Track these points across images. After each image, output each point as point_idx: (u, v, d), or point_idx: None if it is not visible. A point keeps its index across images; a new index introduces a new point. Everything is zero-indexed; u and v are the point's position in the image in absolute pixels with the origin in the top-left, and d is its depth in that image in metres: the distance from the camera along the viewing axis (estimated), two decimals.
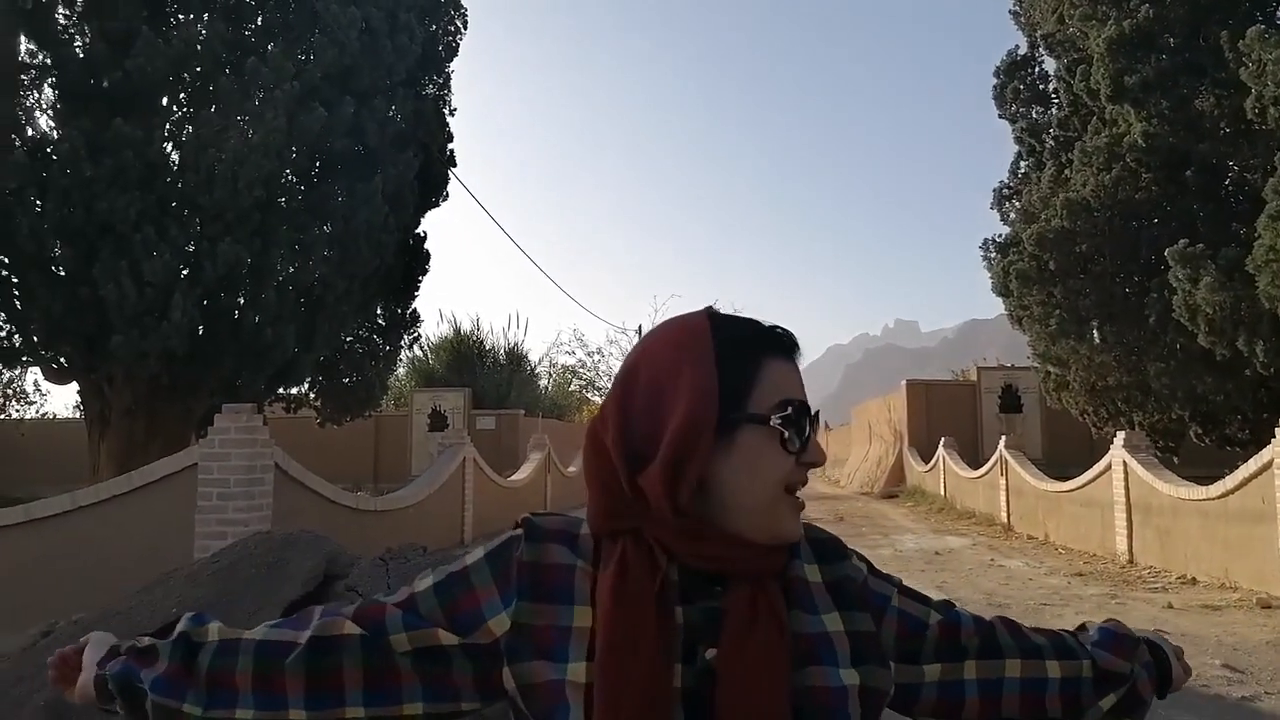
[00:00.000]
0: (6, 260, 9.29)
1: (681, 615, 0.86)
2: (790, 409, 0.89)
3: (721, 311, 0.96)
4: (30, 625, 4.35)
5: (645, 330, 1.05)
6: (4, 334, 10.20)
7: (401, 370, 23.79)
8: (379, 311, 13.79)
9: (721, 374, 0.88)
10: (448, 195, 14.46)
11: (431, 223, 20.01)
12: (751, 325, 0.94)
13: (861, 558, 1.01)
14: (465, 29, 14.29)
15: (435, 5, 13.36)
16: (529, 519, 0.94)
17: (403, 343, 14.62)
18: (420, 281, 14.15)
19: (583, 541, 0.92)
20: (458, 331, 26.02)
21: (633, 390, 0.90)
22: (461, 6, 14.17)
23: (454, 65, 14.26)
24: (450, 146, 14.46)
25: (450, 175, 14.48)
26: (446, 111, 14.25)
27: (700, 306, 0.97)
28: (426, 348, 25.20)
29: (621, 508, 0.89)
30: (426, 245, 14.14)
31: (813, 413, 0.92)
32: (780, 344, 0.93)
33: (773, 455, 0.89)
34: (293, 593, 3.53)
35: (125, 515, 6.94)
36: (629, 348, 0.99)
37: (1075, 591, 8.99)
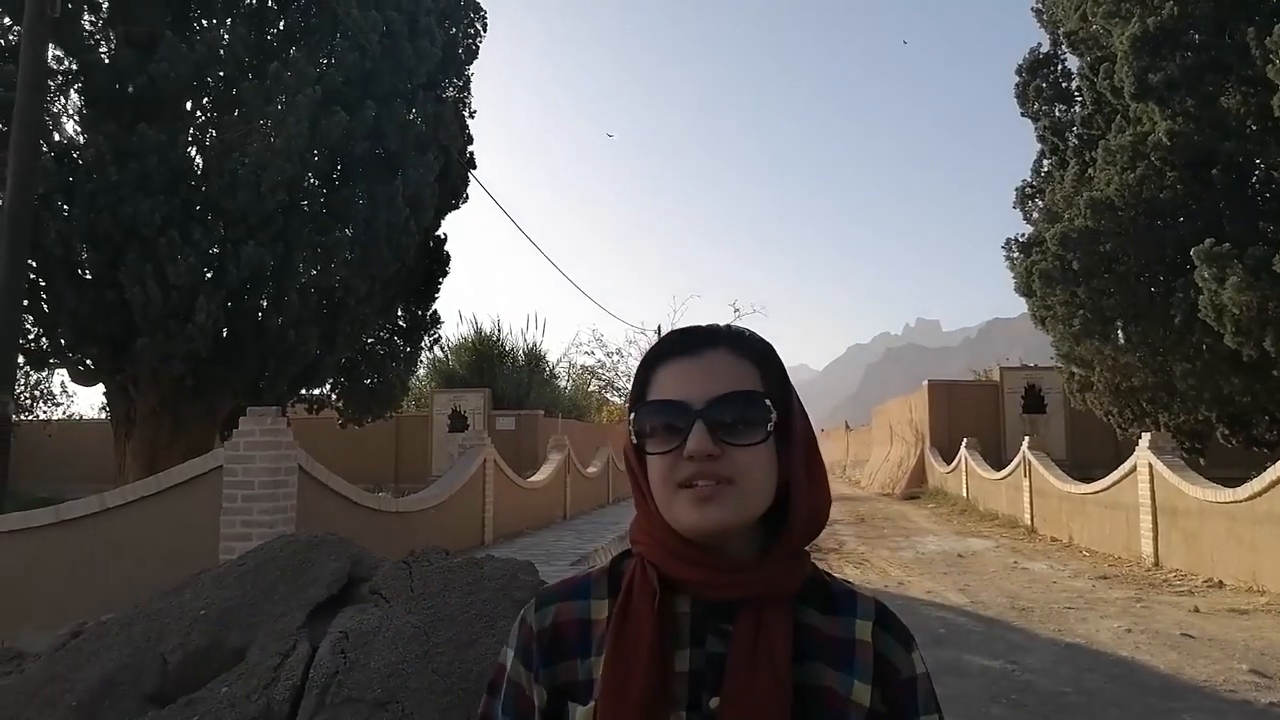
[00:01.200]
0: (34, 264, 9.42)
1: (688, 661, 0.87)
2: (633, 414, 0.92)
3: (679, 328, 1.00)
4: (60, 625, 4.42)
5: (664, 331, 1.07)
6: (32, 336, 10.35)
7: (422, 371, 23.90)
8: (400, 313, 13.90)
9: (632, 400, 0.94)
10: (468, 197, 14.55)
11: (452, 224, 20.13)
12: (656, 343, 0.98)
13: (922, 661, 0.93)
14: (485, 31, 14.39)
15: (455, 8, 13.44)
16: (539, 592, 0.98)
17: (423, 344, 14.71)
18: (440, 283, 14.26)
19: (596, 579, 0.96)
20: (478, 332, 26.07)
21: None
22: (480, 9, 14.26)
23: (473, 68, 14.36)
24: (470, 149, 14.54)
25: (470, 177, 14.57)
26: (466, 114, 14.32)
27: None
28: (447, 349, 25.30)
29: (644, 521, 0.93)
30: (447, 247, 14.26)
31: (698, 406, 0.87)
32: (665, 350, 0.93)
33: (649, 459, 0.90)
34: (319, 595, 3.56)
35: (152, 517, 7.03)
36: (647, 347, 1.00)
37: (1100, 595, 8.90)
